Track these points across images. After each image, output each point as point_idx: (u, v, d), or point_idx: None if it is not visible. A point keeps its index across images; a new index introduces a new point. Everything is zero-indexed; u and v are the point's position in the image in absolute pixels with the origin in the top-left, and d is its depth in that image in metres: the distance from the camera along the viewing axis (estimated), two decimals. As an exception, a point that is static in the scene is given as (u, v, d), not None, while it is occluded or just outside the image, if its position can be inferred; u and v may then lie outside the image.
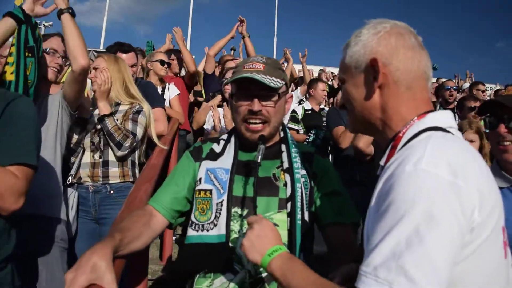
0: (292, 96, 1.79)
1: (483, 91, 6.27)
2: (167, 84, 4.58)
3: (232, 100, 1.65)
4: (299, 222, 1.50)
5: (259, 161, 1.43)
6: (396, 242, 0.84)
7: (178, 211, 1.63)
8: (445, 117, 1.07)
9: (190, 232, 1.57)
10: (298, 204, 1.52)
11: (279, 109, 1.62)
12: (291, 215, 1.51)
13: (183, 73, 5.91)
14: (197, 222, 1.56)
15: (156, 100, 3.43)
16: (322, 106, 5.69)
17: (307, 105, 5.54)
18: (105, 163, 2.78)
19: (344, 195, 1.64)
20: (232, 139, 1.71)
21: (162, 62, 4.48)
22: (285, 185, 1.55)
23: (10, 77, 2.22)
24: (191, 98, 5.88)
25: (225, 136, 1.76)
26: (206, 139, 1.81)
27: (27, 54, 2.27)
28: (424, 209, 0.84)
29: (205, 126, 4.05)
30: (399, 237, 0.84)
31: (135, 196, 1.99)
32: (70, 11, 2.31)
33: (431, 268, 0.81)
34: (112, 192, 2.75)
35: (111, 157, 2.78)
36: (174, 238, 4.27)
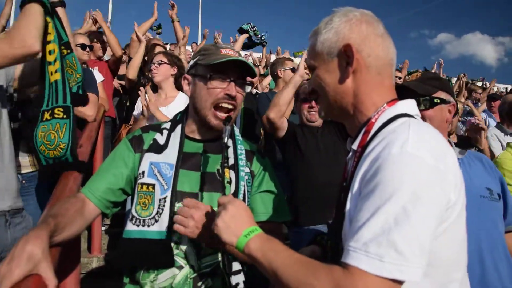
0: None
1: (399, 78, 6.74)
2: (91, 69, 4.36)
3: (202, 81, 1.59)
4: None
5: (225, 141, 1.41)
6: (385, 219, 0.89)
7: (113, 201, 1.57)
8: (413, 106, 1.15)
9: (130, 227, 1.50)
10: None
11: (243, 98, 1.65)
12: None
13: (106, 57, 5.65)
14: (137, 217, 1.50)
15: (88, 85, 3.27)
16: (255, 91, 5.71)
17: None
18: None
19: (278, 194, 1.66)
20: (178, 129, 1.65)
21: (83, 46, 4.22)
22: (229, 182, 1.53)
23: (56, 76, 2.02)
24: (116, 83, 5.65)
25: (167, 125, 1.68)
26: (147, 127, 1.72)
27: (63, 50, 2.08)
28: (411, 189, 0.90)
29: (134, 113, 3.92)
30: (388, 214, 0.89)
31: (65, 184, 1.91)
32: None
33: (417, 242, 0.88)
34: (23, 182, 2.59)
35: (22, 147, 2.61)
36: (103, 228, 4.13)
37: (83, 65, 4.30)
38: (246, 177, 1.58)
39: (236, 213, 1.17)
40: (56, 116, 2.04)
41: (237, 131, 1.71)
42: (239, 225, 1.15)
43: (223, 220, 1.16)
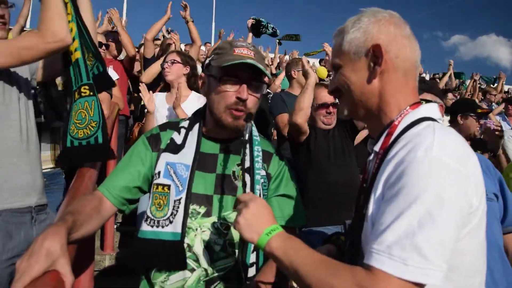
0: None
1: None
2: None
3: (214, 82, 1.54)
4: None
5: (246, 138, 1.40)
6: (409, 222, 0.89)
7: (129, 199, 1.56)
8: (435, 110, 1.15)
9: (145, 227, 1.51)
10: None
11: (258, 101, 1.58)
12: None
13: (121, 56, 5.69)
14: (152, 217, 1.50)
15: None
16: (267, 91, 5.70)
17: None
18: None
19: (295, 198, 1.63)
20: (196, 128, 1.63)
21: (100, 44, 4.27)
22: (244, 185, 1.48)
23: (76, 54, 2.00)
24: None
25: (186, 123, 1.66)
26: (165, 125, 1.70)
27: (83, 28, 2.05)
28: (436, 193, 0.91)
29: (146, 110, 3.94)
30: (412, 218, 0.90)
31: (81, 183, 1.92)
32: None
33: (440, 246, 0.89)
34: (45, 180, 2.61)
35: (43, 141, 2.62)
36: (115, 226, 4.15)
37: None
38: (262, 180, 1.56)
39: (258, 211, 1.17)
40: (83, 94, 2.04)
41: (255, 130, 1.66)
42: (261, 223, 1.15)
43: (245, 217, 1.16)
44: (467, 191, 0.95)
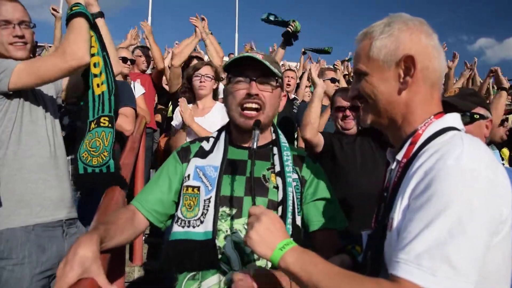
0: (286, 95, 1.78)
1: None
2: (132, 82, 4.48)
3: (228, 86, 1.63)
4: (288, 226, 1.48)
5: (255, 147, 1.37)
6: (439, 231, 0.87)
7: (164, 213, 1.60)
8: (458, 119, 1.14)
9: (176, 228, 1.52)
10: (290, 209, 1.50)
11: (274, 98, 1.61)
12: (282, 219, 1.46)
13: (149, 70, 5.79)
14: (183, 218, 1.52)
15: (127, 99, 3.36)
16: (294, 96, 5.67)
17: None
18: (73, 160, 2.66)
19: (332, 200, 1.63)
20: (222, 136, 1.68)
21: (125, 60, 4.36)
22: (276, 187, 1.54)
23: (102, 88, 2.12)
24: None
25: (215, 134, 1.73)
26: (194, 139, 1.77)
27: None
28: (466, 202, 0.89)
29: (172, 123, 3.98)
30: (442, 227, 0.87)
31: (111, 198, 1.96)
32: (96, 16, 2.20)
33: (470, 256, 0.87)
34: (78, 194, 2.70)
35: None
36: (143, 238, 4.20)
37: (127, 78, 4.45)
38: (294, 183, 1.57)
39: (271, 225, 1.13)
40: (101, 124, 2.13)
41: (282, 137, 1.69)
42: (274, 238, 1.11)
43: (257, 232, 1.12)
44: (497, 200, 0.95)
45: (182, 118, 3.46)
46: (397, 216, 1.01)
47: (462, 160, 0.92)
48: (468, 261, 0.86)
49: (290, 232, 1.48)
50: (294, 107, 5.06)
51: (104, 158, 2.10)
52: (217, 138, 1.69)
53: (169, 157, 1.71)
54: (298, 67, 10.11)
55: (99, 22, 2.20)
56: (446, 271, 0.84)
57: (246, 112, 1.56)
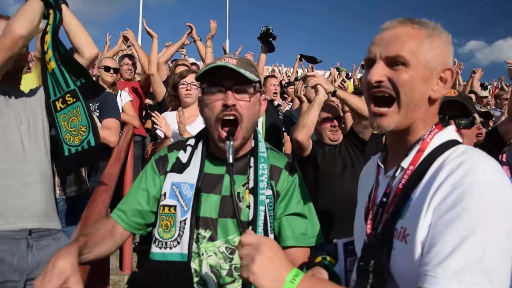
0: (265, 99, 1.69)
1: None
2: (119, 91, 4.50)
3: (203, 97, 1.54)
4: None
5: (230, 160, 1.31)
6: (477, 246, 0.87)
7: (143, 223, 1.59)
8: (455, 132, 1.15)
9: (154, 249, 1.52)
10: (260, 229, 1.46)
11: (253, 106, 1.53)
12: None
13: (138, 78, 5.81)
14: (160, 239, 1.51)
15: (110, 110, 3.38)
16: (277, 103, 5.74)
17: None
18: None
19: (307, 215, 1.58)
20: (200, 146, 1.62)
21: (107, 68, 4.36)
22: (248, 206, 1.49)
23: (51, 64, 2.06)
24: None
25: (192, 141, 1.66)
26: (173, 146, 1.70)
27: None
28: (504, 217, 0.90)
29: (157, 131, 3.99)
30: (481, 242, 0.87)
31: (93, 209, 1.97)
32: (65, 1, 2.16)
33: (508, 272, 0.88)
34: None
35: None
36: (132, 246, 4.20)
37: (114, 86, 4.45)
38: (268, 200, 1.51)
39: (274, 255, 1.01)
40: (68, 102, 2.08)
41: (261, 146, 1.60)
42: (280, 270, 0.99)
43: (261, 265, 0.99)
44: None
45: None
46: (420, 228, 0.97)
47: (491, 175, 0.93)
48: (505, 276, 0.87)
49: None
50: (280, 113, 5.12)
51: (84, 134, 2.07)
52: (194, 147, 1.63)
53: (147, 165, 1.67)
54: (291, 72, 10.22)
55: (64, 9, 2.14)
56: (486, 286, 0.85)
57: (225, 128, 1.49)
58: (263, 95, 1.65)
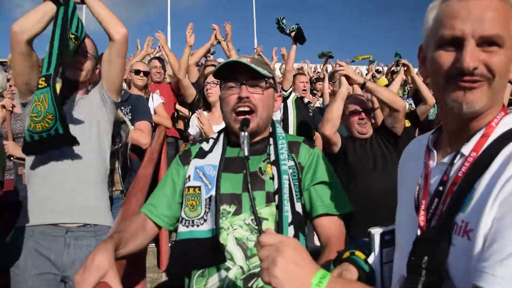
0: (281, 96, 1.80)
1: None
2: (151, 94, 4.61)
3: (221, 93, 1.68)
4: (286, 214, 1.50)
5: (246, 153, 1.31)
6: None
7: (173, 216, 1.66)
8: None
9: (181, 228, 1.58)
10: (285, 196, 1.52)
11: (267, 99, 1.64)
12: (279, 208, 1.51)
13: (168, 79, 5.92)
14: (187, 218, 1.58)
15: (141, 113, 3.48)
16: (308, 100, 5.75)
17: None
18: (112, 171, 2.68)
19: (334, 184, 1.62)
20: (221, 137, 1.73)
21: (137, 72, 4.48)
22: (272, 178, 1.57)
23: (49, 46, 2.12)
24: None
25: (215, 136, 1.79)
26: (195, 141, 1.82)
27: (70, 35, 2.16)
28: None
29: (189, 131, 4.08)
30: None
31: (128, 209, 2.05)
32: None
33: None
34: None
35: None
36: (169, 244, 4.30)
37: (146, 89, 4.57)
38: (290, 170, 1.59)
39: (297, 257, 0.93)
40: (39, 86, 2.07)
41: (279, 129, 1.72)
42: (305, 273, 0.92)
43: (283, 269, 0.91)
44: None
45: (199, 128, 3.56)
46: (483, 222, 0.86)
47: None
48: None
49: (290, 220, 1.51)
50: (310, 110, 5.11)
51: (50, 122, 2.04)
52: (216, 139, 1.75)
53: (173, 161, 1.77)
54: (320, 68, 10.16)
55: None
56: None
57: (239, 117, 1.60)
58: (278, 92, 1.76)
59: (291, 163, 1.62)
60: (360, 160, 2.97)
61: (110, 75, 2.33)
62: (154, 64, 5.43)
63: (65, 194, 2.17)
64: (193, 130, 3.95)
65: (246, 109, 1.60)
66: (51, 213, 2.16)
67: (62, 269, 2.13)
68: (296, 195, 1.57)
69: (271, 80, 1.67)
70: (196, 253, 1.51)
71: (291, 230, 1.51)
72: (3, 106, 3.41)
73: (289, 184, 1.55)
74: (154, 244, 3.94)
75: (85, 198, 2.22)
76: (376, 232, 1.30)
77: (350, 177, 2.94)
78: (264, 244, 0.97)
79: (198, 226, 1.54)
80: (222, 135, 1.74)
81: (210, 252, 1.49)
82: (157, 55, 6.72)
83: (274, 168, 1.58)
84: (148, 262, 3.75)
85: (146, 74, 4.59)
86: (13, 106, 3.43)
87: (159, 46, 6.12)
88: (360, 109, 3.09)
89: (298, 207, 1.57)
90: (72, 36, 2.17)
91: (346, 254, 1.33)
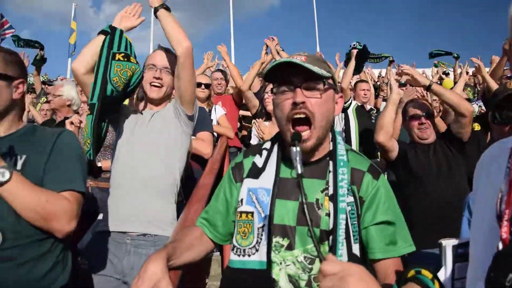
0: (342, 97, 1.59)
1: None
2: (213, 105, 4.73)
3: (274, 98, 1.50)
4: (340, 258, 1.36)
5: (299, 171, 1.19)
6: None
7: (227, 233, 1.59)
8: None
9: (232, 256, 1.49)
10: (340, 239, 1.37)
11: (325, 103, 1.45)
12: (333, 250, 1.36)
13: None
14: (238, 246, 1.48)
15: (202, 123, 3.57)
16: (370, 107, 5.61)
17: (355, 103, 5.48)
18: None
19: (396, 223, 1.47)
20: (275, 149, 1.57)
21: (198, 84, 4.56)
22: (328, 214, 1.40)
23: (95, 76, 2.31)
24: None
25: (268, 144, 1.61)
26: (248, 151, 1.67)
27: (117, 57, 2.32)
28: None
29: (251, 141, 4.14)
30: None
31: (187, 218, 2.10)
32: (164, 6, 2.41)
33: None
34: None
35: None
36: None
37: (209, 101, 4.71)
38: (349, 208, 1.42)
39: (364, 287, 0.87)
40: (87, 113, 2.31)
41: (340, 147, 1.51)
42: None
43: None
44: None
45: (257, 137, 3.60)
46: None
47: None
48: None
49: None
50: (372, 117, 4.98)
51: (88, 147, 2.27)
52: (270, 151, 1.59)
53: (225, 174, 1.68)
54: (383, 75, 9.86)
55: (161, 12, 2.38)
56: None
57: (298, 127, 1.42)
58: (339, 93, 1.57)
59: (351, 198, 1.44)
60: (423, 166, 2.84)
61: (180, 88, 2.40)
62: (216, 76, 5.56)
63: (130, 204, 2.30)
64: (254, 140, 4.00)
65: (302, 115, 1.42)
66: (118, 220, 2.31)
67: (122, 274, 2.25)
68: (353, 236, 1.43)
69: (330, 80, 1.48)
70: (247, 285, 1.43)
71: None
72: (71, 123, 3.65)
73: (346, 224, 1.39)
74: (218, 253, 3.99)
75: (149, 209, 2.31)
76: (448, 244, 1.20)
77: (411, 184, 2.83)
78: (326, 274, 0.89)
79: (249, 256, 1.45)
80: (276, 147, 1.58)
81: (262, 286, 1.41)
82: (220, 67, 6.89)
83: (331, 204, 1.41)
84: (213, 270, 3.82)
85: (207, 86, 4.71)
86: (81, 122, 3.65)
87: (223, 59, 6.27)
88: (421, 114, 2.97)
89: (356, 249, 1.43)
90: (120, 56, 2.31)
91: (411, 272, 1.17)
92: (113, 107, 2.41)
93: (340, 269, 0.88)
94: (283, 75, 1.44)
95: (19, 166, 1.65)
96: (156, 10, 2.40)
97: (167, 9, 2.41)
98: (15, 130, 1.76)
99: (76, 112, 4.30)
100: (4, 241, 1.56)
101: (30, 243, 1.60)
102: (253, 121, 4.14)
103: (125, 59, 2.32)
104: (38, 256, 1.62)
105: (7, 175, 1.52)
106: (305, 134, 1.41)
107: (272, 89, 1.50)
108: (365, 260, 1.47)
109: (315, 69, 1.39)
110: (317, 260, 1.37)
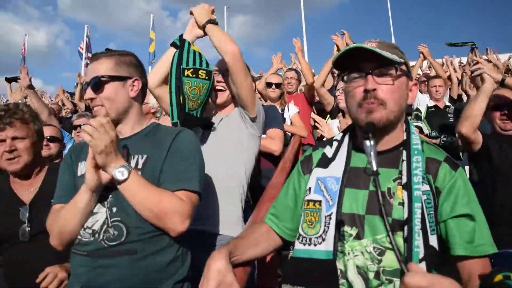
0: (417, 84, 1.52)
1: None
2: (286, 104, 4.75)
3: (345, 87, 1.47)
4: (417, 249, 1.27)
5: (374, 168, 1.20)
6: None
7: (296, 228, 1.55)
8: None
9: (297, 245, 1.45)
10: (416, 228, 1.28)
11: (398, 90, 1.39)
12: (408, 241, 1.28)
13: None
14: (304, 235, 1.44)
15: (272, 121, 3.61)
16: (447, 103, 5.29)
17: (430, 102, 5.20)
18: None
19: (477, 219, 1.34)
20: (346, 139, 1.54)
21: (269, 84, 4.66)
22: (401, 203, 1.33)
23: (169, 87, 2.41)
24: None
25: (339, 136, 1.59)
26: (317, 145, 1.65)
27: (186, 73, 2.39)
28: None
29: (324, 139, 4.11)
30: None
31: (258, 216, 2.13)
32: (211, 21, 2.46)
33: None
34: None
35: None
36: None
37: (281, 100, 4.74)
38: (425, 196, 1.33)
39: None
40: (200, 76, 2.36)
41: (415, 137, 1.44)
42: None
43: None
44: None
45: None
46: None
47: None
48: None
49: (422, 255, 1.27)
50: (449, 115, 4.71)
51: (199, 104, 2.38)
52: (341, 141, 1.55)
53: (294, 169, 1.66)
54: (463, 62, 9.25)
55: (209, 27, 2.43)
56: None
57: (366, 105, 1.38)
58: (413, 81, 1.50)
59: (426, 187, 1.35)
60: (508, 159, 2.65)
61: (237, 93, 2.45)
62: (287, 75, 5.60)
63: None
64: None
65: (373, 102, 1.37)
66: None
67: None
68: (430, 226, 1.33)
69: (403, 66, 1.43)
70: (312, 275, 1.37)
71: (422, 267, 1.26)
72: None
73: (422, 213, 1.31)
74: (292, 251, 4.00)
75: (214, 209, 2.39)
76: None
77: (496, 178, 2.66)
78: (409, 285, 0.83)
79: (315, 245, 1.40)
80: (347, 137, 1.54)
81: (327, 277, 1.36)
82: (291, 67, 6.90)
83: (405, 192, 1.33)
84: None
85: (278, 86, 4.75)
86: None
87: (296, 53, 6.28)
88: (502, 104, 2.79)
89: (433, 240, 1.32)
90: (189, 72, 2.37)
91: (498, 277, 1.09)
92: (194, 123, 2.47)
93: (428, 283, 0.81)
94: (354, 62, 1.41)
95: (140, 165, 1.74)
96: (204, 26, 2.45)
97: (214, 23, 2.46)
98: (139, 129, 1.87)
99: (156, 116, 4.56)
100: (128, 235, 1.65)
101: (150, 238, 1.67)
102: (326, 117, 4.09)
103: (194, 75, 2.37)
104: (158, 250, 1.68)
105: (125, 174, 1.62)
106: (373, 105, 1.37)
107: (342, 77, 1.46)
108: (444, 255, 1.38)
109: (387, 54, 1.35)
110: (387, 251, 1.31)
